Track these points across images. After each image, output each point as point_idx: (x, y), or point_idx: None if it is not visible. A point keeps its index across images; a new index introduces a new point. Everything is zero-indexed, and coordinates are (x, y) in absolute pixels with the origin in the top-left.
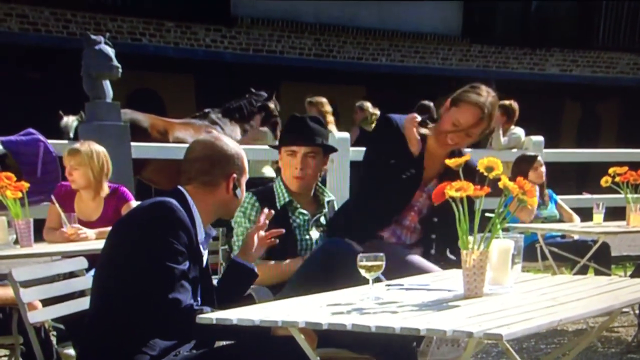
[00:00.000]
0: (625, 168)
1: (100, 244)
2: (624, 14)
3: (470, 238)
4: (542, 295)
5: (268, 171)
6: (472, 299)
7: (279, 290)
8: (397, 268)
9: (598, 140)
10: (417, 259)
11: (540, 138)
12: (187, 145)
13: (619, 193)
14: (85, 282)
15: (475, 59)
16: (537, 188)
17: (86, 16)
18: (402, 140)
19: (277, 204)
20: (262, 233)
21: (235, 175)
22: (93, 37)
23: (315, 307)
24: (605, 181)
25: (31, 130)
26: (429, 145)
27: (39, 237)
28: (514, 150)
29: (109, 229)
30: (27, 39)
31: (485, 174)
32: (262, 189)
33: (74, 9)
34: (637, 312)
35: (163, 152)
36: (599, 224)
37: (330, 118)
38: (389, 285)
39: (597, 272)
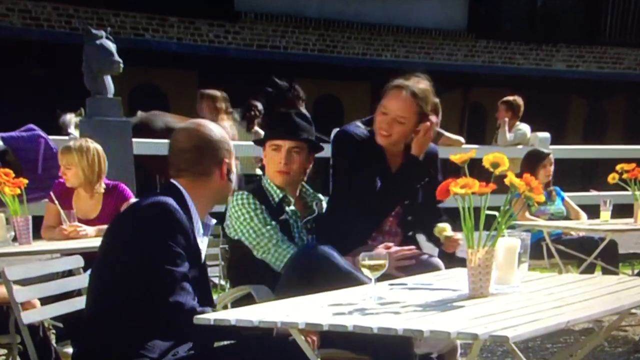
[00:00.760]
0: (633, 165)
1: (99, 242)
2: (631, 9)
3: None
4: (549, 295)
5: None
6: (477, 298)
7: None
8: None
9: (604, 136)
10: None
11: (546, 134)
12: None
13: (626, 190)
14: (82, 281)
15: (481, 55)
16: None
17: (89, 11)
18: (363, 151)
19: (272, 202)
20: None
21: (226, 160)
22: (94, 31)
23: (316, 307)
24: (612, 178)
25: (32, 126)
26: (387, 151)
27: (38, 235)
28: (520, 146)
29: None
30: (29, 34)
31: (491, 170)
32: (253, 187)
33: (77, 3)
34: None
35: (164, 148)
36: (606, 222)
37: (223, 116)
38: (392, 284)
39: (605, 270)
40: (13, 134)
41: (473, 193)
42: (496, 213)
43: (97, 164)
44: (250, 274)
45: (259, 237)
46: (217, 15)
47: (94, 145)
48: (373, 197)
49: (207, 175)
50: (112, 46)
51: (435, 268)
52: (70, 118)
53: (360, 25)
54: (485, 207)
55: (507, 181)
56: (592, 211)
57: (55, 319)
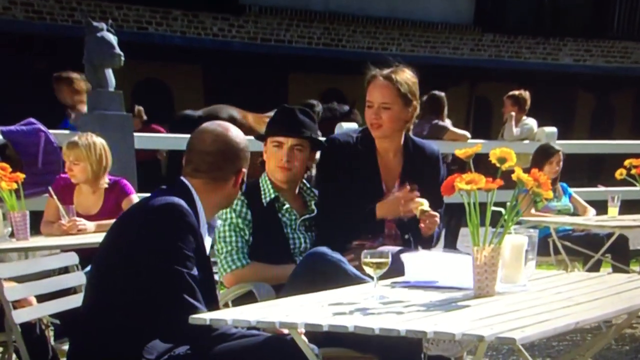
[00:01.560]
0: None
1: (99, 238)
2: (639, 3)
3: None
4: (557, 295)
5: None
6: (482, 298)
7: (282, 287)
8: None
9: (612, 131)
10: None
11: (553, 129)
12: (188, 136)
13: (635, 185)
14: (78, 278)
15: (487, 49)
16: None
17: (91, 4)
18: (351, 157)
19: (263, 200)
20: None
21: (244, 169)
22: (95, 23)
23: (316, 306)
24: (620, 173)
25: (32, 119)
26: (377, 147)
27: (37, 230)
28: (526, 141)
29: (108, 221)
30: (32, 27)
31: (498, 165)
32: (248, 184)
33: None
34: None
35: (167, 142)
36: (614, 217)
37: (84, 98)
38: (394, 282)
39: (614, 267)
40: (13, 127)
41: (479, 189)
42: (502, 210)
43: (104, 159)
44: None
45: (221, 239)
46: (221, 8)
47: (99, 140)
48: (360, 204)
49: (223, 182)
50: (113, 39)
51: None
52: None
53: (366, 19)
54: (491, 204)
55: (514, 177)
56: (599, 207)
57: (53, 316)
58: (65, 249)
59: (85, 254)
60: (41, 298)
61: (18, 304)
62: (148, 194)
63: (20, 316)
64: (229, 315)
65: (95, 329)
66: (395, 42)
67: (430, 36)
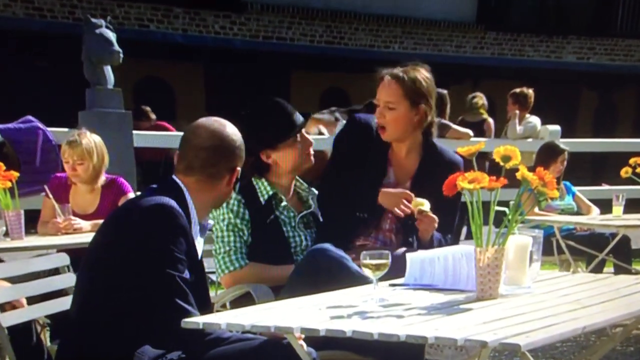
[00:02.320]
0: None
1: None
2: None
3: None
4: (563, 297)
5: None
6: (485, 301)
7: (280, 288)
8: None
9: (615, 129)
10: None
11: (557, 127)
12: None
13: (639, 184)
14: (67, 280)
15: (490, 47)
16: None
17: (92, 1)
18: (368, 142)
19: (261, 198)
20: None
21: (238, 167)
22: (93, 20)
23: (313, 309)
24: (625, 172)
25: (30, 117)
26: (393, 144)
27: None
28: (530, 139)
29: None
30: (32, 24)
31: (502, 163)
32: (243, 184)
33: None
34: None
35: (165, 140)
36: (618, 217)
37: None
38: (394, 284)
39: (617, 267)
40: (10, 125)
41: (482, 188)
42: (506, 209)
43: (104, 157)
44: None
45: (219, 240)
46: (222, 6)
47: (98, 138)
48: (365, 189)
49: (216, 179)
50: (112, 35)
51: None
52: None
53: (368, 17)
54: (495, 203)
55: (519, 175)
56: (603, 206)
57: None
58: (60, 248)
59: (81, 254)
60: (31, 300)
61: (8, 305)
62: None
63: (7, 319)
64: (223, 319)
65: (83, 334)
66: (397, 40)
67: (432, 34)
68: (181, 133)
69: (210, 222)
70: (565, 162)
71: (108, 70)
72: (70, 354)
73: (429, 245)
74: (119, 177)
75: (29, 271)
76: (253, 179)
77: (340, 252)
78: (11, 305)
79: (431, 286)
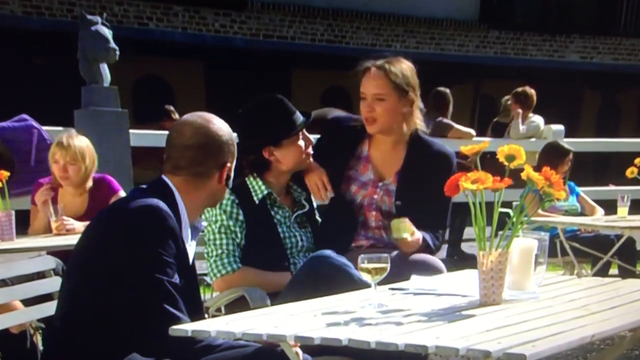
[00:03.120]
0: None
1: None
2: None
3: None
4: (570, 303)
5: None
6: (489, 307)
7: (276, 295)
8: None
9: (618, 129)
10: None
11: (560, 127)
12: None
13: None
14: (53, 284)
15: (493, 46)
16: None
17: None
18: (350, 141)
19: (255, 198)
20: None
21: (229, 164)
22: (89, 17)
23: (309, 316)
24: (630, 172)
25: (25, 116)
26: (376, 140)
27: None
28: (533, 139)
29: None
30: (30, 22)
31: (506, 163)
32: (236, 184)
33: None
34: None
35: (163, 140)
36: (623, 218)
37: None
38: (393, 289)
39: (621, 269)
40: (4, 124)
41: (485, 188)
42: (510, 211)
43: (94, 161)
44: None
45: (211, 242)
46: (223, 4)
47: (87, 140)
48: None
49: (205, 178)
50: (108, 32)
51: (435, 270)
52: None
53: (369, 15)
54: (499, 204)
55: (524, 175)
56: (608, 207)
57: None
58: (51, 250)
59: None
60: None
61: (1, 308)
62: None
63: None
64: (213, 326)
65: (67, 341)
66: (399, 39)
67: (435, 33)
68: None
69: (204, 223)
70: (570, 163)
71: (104, 68)
72: None
73: (427, 250)
74: (105, 175)
75: (12, 275)
76: (247, 179)
77: (341, 259)
78: (4, 309)
79: (432, 291)
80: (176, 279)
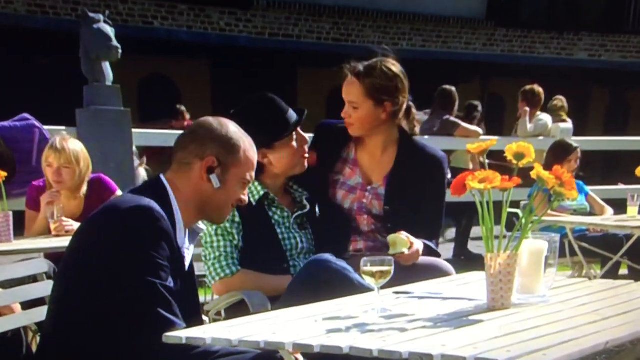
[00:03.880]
0: None
1: None
2: None
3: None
4: (582, 307)
5: None
6: (497, 311)
7: (275, 299)
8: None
9: (627, 127)
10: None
11: (568, 125)
12: None
13: None
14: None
15: (500, 44)
16: None
17: None
18: (336, 146)
19: (252, 199)
20: None
21: (214, 157)
22: (91, 15)
23: (309, 321)
24: None
25: (26, 115)
26: (364, 143)
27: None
28: (541, 137)
29: None
30: (34, 22)
31: (515, 162)
32: None
33: None
34: None
35: (165, 139)
36: (633, 217)
37: None
38: (397, 293)
39: (631, 270)
40: (6, 123)
41: (493, 188)
42: (519, 211)
43: (88, 165)
44: None
45: (208, 245)
46: (228, 2)
47: (81, 144)
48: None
49: (186, 166)
50: (110, 30)
51: (444, 273)
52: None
53: (376, 13)
54: (507, 205)
55: (533, 174)
56: (617, 206)
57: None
58: (49, 252)
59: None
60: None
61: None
62: None
63: None
64: (208, 333)
65: (59, 346)
66: (406, 37)
67: (442, 31)
68: (176, 132)
69: (203, 226)
70: (578, 160)
71: (106, 66)
72: None
73: (429, 252)
74: (100, 175)
75: (2, 279)
76: None
77: (342, 264)
78: (2, 312)
79: (438, 295)
80: (170, 282)
